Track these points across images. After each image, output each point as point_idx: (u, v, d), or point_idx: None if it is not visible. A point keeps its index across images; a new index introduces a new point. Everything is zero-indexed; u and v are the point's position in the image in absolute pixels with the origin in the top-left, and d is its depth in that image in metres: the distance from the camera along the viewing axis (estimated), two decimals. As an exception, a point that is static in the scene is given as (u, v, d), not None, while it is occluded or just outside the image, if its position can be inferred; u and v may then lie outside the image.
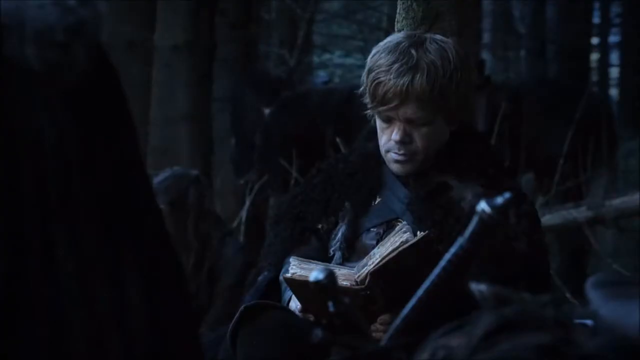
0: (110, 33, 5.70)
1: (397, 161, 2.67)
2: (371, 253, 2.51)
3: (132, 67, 6.06)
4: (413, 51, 2.62)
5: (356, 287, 2.45)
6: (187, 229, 3.98)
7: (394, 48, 2.64)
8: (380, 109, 2.64)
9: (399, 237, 2.45)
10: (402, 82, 2.59)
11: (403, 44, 2.65)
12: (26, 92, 1.22)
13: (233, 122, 6.88)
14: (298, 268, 2.53)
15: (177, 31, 5.78)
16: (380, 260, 2.43)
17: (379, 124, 2.70)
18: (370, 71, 2.65)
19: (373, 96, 2.64)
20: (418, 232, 2.48)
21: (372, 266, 2.44)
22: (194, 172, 4.25)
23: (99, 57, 1.29)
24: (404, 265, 2.40)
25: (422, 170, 2.69)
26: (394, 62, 2.61)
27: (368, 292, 2.45)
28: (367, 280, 2.45)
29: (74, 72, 1.25)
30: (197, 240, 4.03)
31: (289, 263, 2.59)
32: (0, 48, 1.21)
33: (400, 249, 2.41)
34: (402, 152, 2.65)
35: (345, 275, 2.47)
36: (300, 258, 2.59)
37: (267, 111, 6.46)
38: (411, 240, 2.43)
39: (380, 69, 2.62)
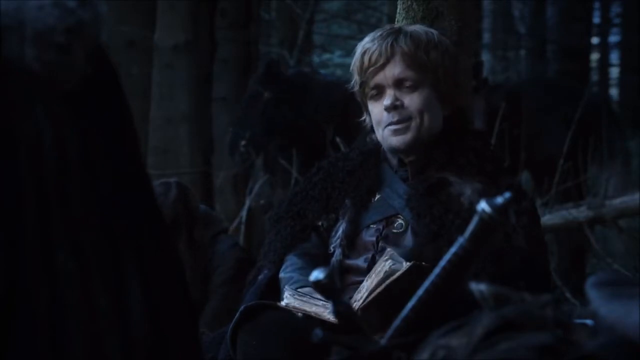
0: (110, 33, 5.70)
1: (394, 132, 2.70)
2: (359, 287, 2.50)
3: (132, 67, 6.06)
4: (396, 26, 2.79)
5: None
6: (181, 244, 3.94)
7: (377, 29, 2.80)
8: (369, 72, 2.70)
9: (382, 267, 2.44)
10: (386, 42, 2.70)
11: (386, 26, 2.83)
12: (26, 93, 1.22)
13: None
14: (292, 298, 2.53)
15: (177, 31, 5.77)
16: (368, 295, 2.43)
17: (371, 107, 2.73)
18: (357, 52, 2.76)
19: (360, 66, 2.73)
20: (404, 263, 2.46)
21: (360, 302, 2.44)
22: (170, 181, 4.14)
23: (99, 58, 1.29)
24: (394, 295, 2.39)
25: (419, 154, 2.71)
26: (377, 33, 2.75)
27: None
28: None
29: (73, 73, 1.25)
30: (192, 251, 4.00)
31: (285, 290, 2.59)
32: (0, 49, 1.21)
33: (386, 282, 2.41)
34: (396, 119, 2.69)
35: None
36: (294, 288, 2.59)
37: (265, 93, 6.36)
38: (397, 272, 2.42)
39: (366, 42, 2.74)
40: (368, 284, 2.45)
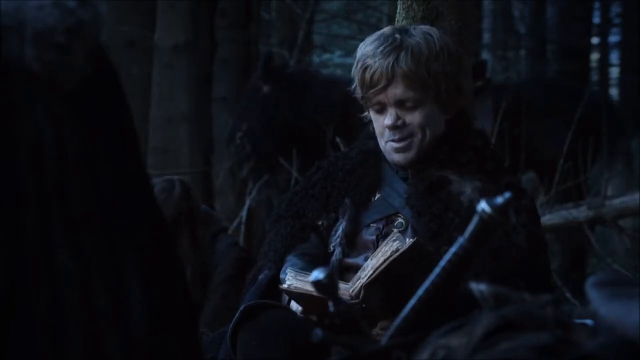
0: (110, 33, 5.69)
1: (396, 150, 2.70)
2: (364, 265, 2.51)
3: (132, 67, 6.06)
4: (397, 35, 2.70)
5: (352, 301, 2.45)
6: (183, 243, 3.94)
7: (379, 36, 2.72)
8: (370, 92, 2.69)
9: (389, 247, 2.45)
10: (387, 62, 2.66)
11: (387, 31, 2.74)
12: (26, 93, 1.22)
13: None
14: (294, 280, 2.54)
15: (177, 31, 5.77)
16: (373, 273, 2.43)
17: (373, 117, 2.74)
18: (358, 62, 2.72)
19: (362, 83, 2.71)
20: (407, 240, 2.47)
21: (365, 279, 2.44)
22: (174, 179, 4.13)
23: (99, 58, 1.29)
24: (398, 274, 2.40)
25: (421, 160, 2.71)
26: (378, 46, 2.68)
27: (364, 305, 2.45)
28: (361, 294, 2.45)
29: (73, 73, 1.25)
30: (194, 250, 3.99)
31: (286, 273, 2.60)
32: (0, 49, 1.21)
33: (390, 259, 2.41)
34: (397, 137, 2.68)
35: (340, 290, 2.47)
36: (296, 269, 2.60)
37: (265, 87, 6.32)
38: (401, 249, 2.43)
39: (367, 55, 2.69)
40: (373, 263, 2.45)
